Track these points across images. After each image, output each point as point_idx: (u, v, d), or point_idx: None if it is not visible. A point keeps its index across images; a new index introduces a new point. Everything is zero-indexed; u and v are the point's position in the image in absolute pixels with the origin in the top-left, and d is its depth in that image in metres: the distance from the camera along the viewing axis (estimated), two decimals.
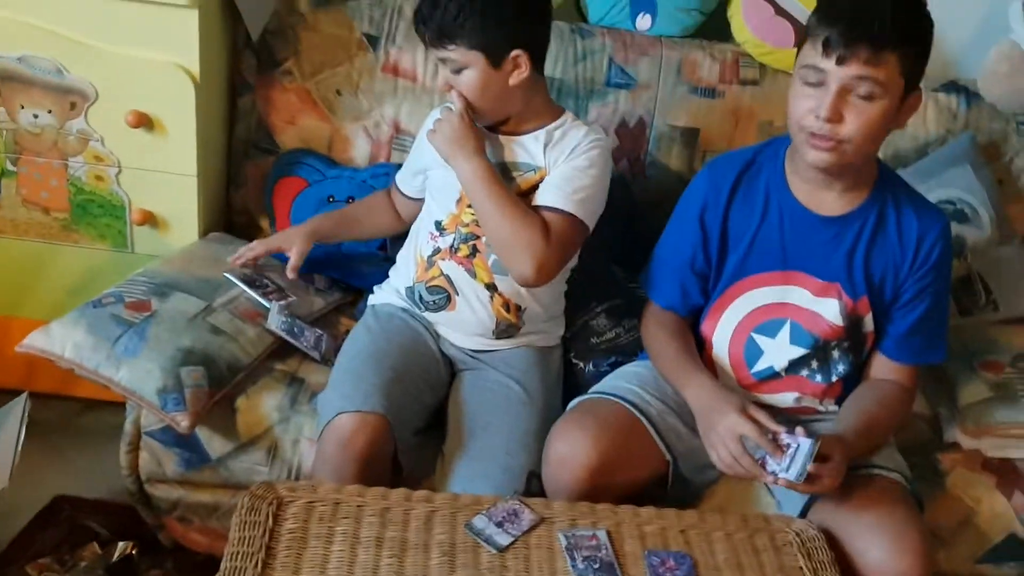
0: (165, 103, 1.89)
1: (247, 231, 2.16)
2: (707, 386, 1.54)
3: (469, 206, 1.70)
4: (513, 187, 1.68)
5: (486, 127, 1.71)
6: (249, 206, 2.17)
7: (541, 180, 1.68)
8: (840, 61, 1.38)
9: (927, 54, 1.45)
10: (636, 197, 2.09)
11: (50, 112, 1.89)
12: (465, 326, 1.76)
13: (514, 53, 1.61)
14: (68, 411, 2.16)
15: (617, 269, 1.97)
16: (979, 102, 2.16)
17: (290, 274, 1.82)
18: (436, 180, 1.77)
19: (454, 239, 1.73)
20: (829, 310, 1.57)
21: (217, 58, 2.01)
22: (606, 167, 1.69)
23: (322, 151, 2.13)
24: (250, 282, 1.84)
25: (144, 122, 1.88)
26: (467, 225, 1.72)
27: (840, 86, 1.39)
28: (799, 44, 1.49)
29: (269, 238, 1.91)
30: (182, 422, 1.61)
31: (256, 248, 1.87)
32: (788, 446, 1.40)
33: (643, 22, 2.15)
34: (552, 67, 2.08)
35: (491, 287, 1.72)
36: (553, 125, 1.70)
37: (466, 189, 1.67)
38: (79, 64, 1.85)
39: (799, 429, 1.43)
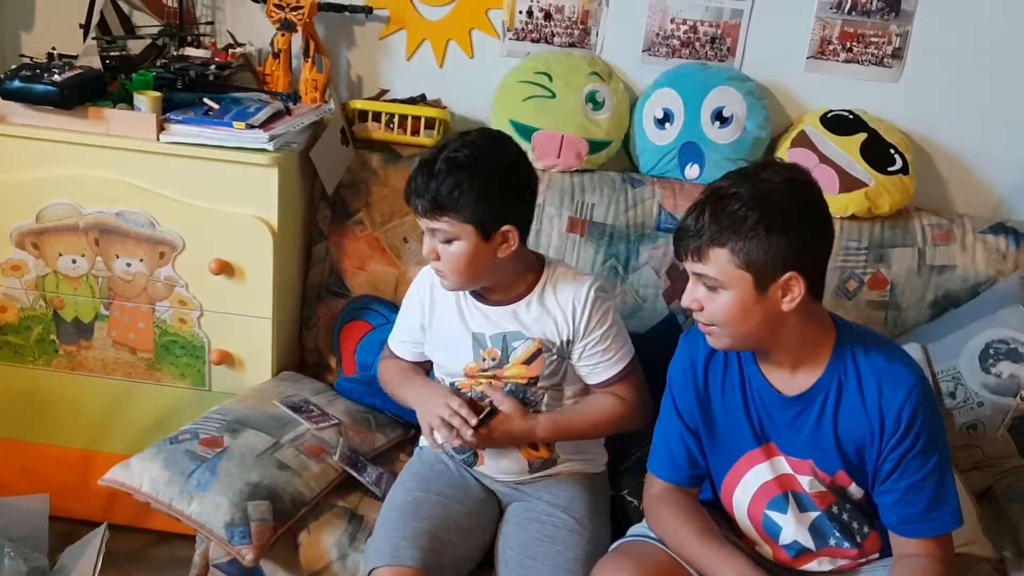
0: (245, 252, 2.04)
1: (317, 370, 2.28)
2: (740, 567, 1.49)
3: (480, 371, 1.79)
4: (514, 358, 1.76)
5: (476, 298, 1.79)
6: (319, 346, 2.30)
7: (538, 350, 1.75)
8: (680, 259, 1.50)
9: (760, 246, 1.40)
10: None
11: (141, 261, 2.06)
12: (499, 470, 1.81)
13: (505, 228, 1.67)
14: (144, 542, 2.25)
15: None
16: None
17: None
18: (436, 357, 1.86)
19: (471, 396, 1.80)
20: (807, 484, 1.55)
21: (294, 210, 2.18)
22: (612, 302, 1.80)
23: (389, 293, 2.26)
24: (296, 408, 1.96)
25: (225, 269, 2.03)
26: (480, 384, 1.79)
27: (692, 277, 1.49)
28: None
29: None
30: (247, 555, 1.68)
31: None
32: None
33: (691, 171, 2.27)
34: (604, 214, 2.20)
35: None
36: (539, 289, 1.77)
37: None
38: (169, 217, 2.02)
39: None
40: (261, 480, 1.75)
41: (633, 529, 1.70)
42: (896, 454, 1.47)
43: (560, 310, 1.75)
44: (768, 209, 1.40)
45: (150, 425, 2.14)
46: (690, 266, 1.47)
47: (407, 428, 2.08)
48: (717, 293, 1.45)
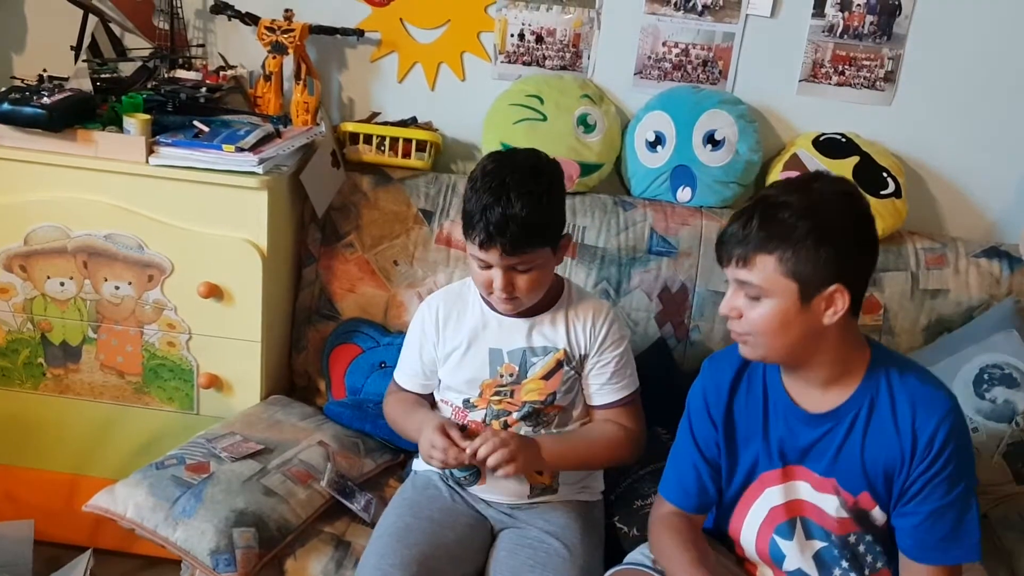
0: (234, 275, 2.03)
1: (306, 393, 2.27)
2: None
3: (495, 394, 1.78)
4: (532, 373, 1.76)
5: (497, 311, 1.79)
6: (309, 369, 2.28)
7: (558, 363, 1.76)
8: (723, 265, 1.48)
9: (809, 256, 1.38)
10: (676, 359, 2.15)
11: (130, 284, 2.04)
12: (500, 491, 1.80)
13: (564, 239, 1.74)
14: (129, 568, 2.22)
15: (660, 431, 1.99)
16: (1022, 267, 2.19)
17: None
18: (449, 377, 1.83)
19: (485, 415, 1.79)
20: (829, 505, 1.52)
21: (284, 233, 2.17)
22: (623, 324, 1.81)
23: (379, 316, 2.25)
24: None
25: (214, 292, 2.02)
26: (499, 403, 1.78)
27: (733, 284, 1.46)
28: None
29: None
30: None
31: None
32: None
33: (683, 194, 2.26)
34: (596, 237, 2.20)
35: None
36: (561, 302, 1.80)
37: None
38: (158, 240, 2.01)
39: None
40: (247, 507, 1.73)
41: (629, 556, 1.68)
42: (924, 478, 1.44)
43: (581, 321, 1.78)
44: (819, 219, 1.38)
45: (138, 449, 2.12)
46: (732, 272, 1.45)
47: (396, 453, 2.06)
48: (759, 302, 1.43)
